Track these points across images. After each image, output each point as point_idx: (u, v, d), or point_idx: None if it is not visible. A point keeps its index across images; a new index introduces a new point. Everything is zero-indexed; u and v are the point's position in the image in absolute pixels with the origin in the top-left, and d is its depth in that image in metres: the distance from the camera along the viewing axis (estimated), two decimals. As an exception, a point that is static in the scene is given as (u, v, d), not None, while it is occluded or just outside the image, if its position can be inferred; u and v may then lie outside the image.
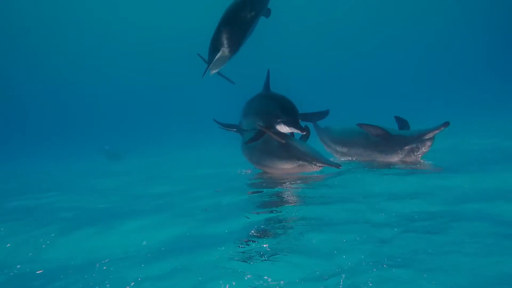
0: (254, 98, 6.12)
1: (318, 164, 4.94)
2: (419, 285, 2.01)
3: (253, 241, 2.84)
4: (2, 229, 4.05)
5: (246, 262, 2.48)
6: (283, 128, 5.20)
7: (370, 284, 2.05)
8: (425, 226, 2.80)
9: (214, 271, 2.40)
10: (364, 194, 3.88)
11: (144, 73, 49.86)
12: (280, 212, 3.55)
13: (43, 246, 3.33)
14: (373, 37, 49.54)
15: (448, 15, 45.36)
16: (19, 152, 26.41)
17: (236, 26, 5.22)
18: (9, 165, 18.14)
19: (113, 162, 14.86)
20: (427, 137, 5.16)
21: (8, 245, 3.44)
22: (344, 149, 6.21)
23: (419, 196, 3.62)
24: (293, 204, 3.84)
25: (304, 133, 5.08)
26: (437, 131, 5.05)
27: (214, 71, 6.12)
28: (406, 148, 5.31)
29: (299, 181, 4.81)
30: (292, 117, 5.11)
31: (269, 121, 5.26)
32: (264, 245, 2.73)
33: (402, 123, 6.03)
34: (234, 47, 5.43)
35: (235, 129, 6.73)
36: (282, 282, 2.21)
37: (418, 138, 5.22)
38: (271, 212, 3.58)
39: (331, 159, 5.32)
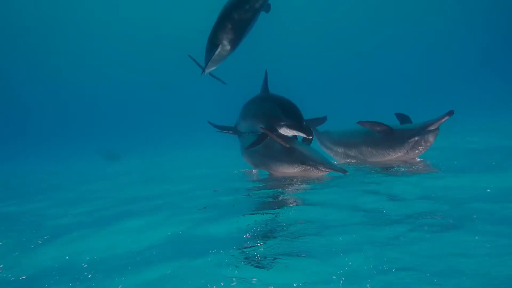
0: (253, 100, 5.95)
1: (323, 169, 4.74)
2: (423, 289, 1.95)
3: (250, 244, 2.77)
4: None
5: (244, 266, 2.41)
6: (287, 132, 5.06)
7: (373, 288, 1.99)
8: (429, 227, 2.74)
9: (209, 276, 2.32)
10: (366, 195, 3.81)
11: (145, 73, 49.81)
12: (278, 213, 3.49)
13: (28, 251, 3.26)
14: (371, 37, 49.46)
15: (448, 14, 45.30)
16: (18, 152, 26.34)
17: (235, 21, 5.08)
18: (8, 166, 18.09)
19: (111, 163, 14.82)
20: (432, 128, 5.04)
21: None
22: (347, 150, 6.06)
23: (421, 196, 3.57)
24: (292, 206, 3.78)
25: (310, 137, 4.92)
26: (441, 121, 4.93)
27: (212, 68, 6.05)
28: (410, 141, 5.18)
29: (298, 182, 4.73)
30: (296, 120, 4.96)
31: (271, 124, 5.10)
32: (263, 248, 2.67)
33: (404, 119, 5.92)
34: (234, 43, 5.33)
35: (231, 131, 6.63)
36: (283, 286, 2.14)
37: (423, 130, 5.10)
38: (270, 213, 3.51)
39: (336, 163, 5.16)
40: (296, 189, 4.44)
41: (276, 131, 5.08)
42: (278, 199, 4.04)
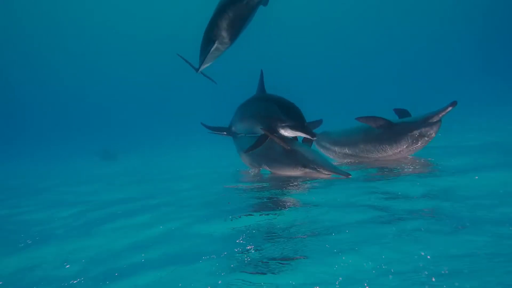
0: (250, 100, 5.77)
1: (325, 172, 4.57)
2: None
3: (247, 246, 2.69)
4: None
5: (240, 268, 2.34)
6: (289, 133, 4.89)
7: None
8: (435, 226, 2.67)
9: (203, 281, 2.24)
10: (365, 195, 3.73)
11: (145, 73, 49.76)
12: (276, 214, 3.41)
13: (11, 255, 3.18)
14: (369, 36, 49.42)
15: (447, 13, 45.27)
16: (17, 153, 26.26)
17: (233, 15, 4.89)
18: (6, 166, 17.99)
19: (108, 162, 14.75)
20: (434, 120, 4.91)
21: None
22: (346, 149, 5.88)
23: (422, 196, 3.50)
24: (290, 206, 3.69)
25: (314, 138, 4.74)
26: (444, 112, 4.82)
27: (208, 64, 5.93)
28: (412, 134, 5.04)
29: (297, 183, 4.63)
30: (299, 121, 4.79)
31: (272, 125, 4.93)
32: (259, 250, 2.59)
33: (403, 113, 5.78)
34: (231, 38, 5.17)
35: (225, 133, 6.49)
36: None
37: (425, 122, 4.97)
38: (267, 214, 3.43)
39: (336, 164, 4.97)
40: (294, 190, 4.34)
41: (277, 132, 4.93)
42: (276, 200, 3.97)
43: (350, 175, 4.36)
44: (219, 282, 2.20)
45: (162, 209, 4.31)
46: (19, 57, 46.49)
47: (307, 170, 4.71)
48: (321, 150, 6.34)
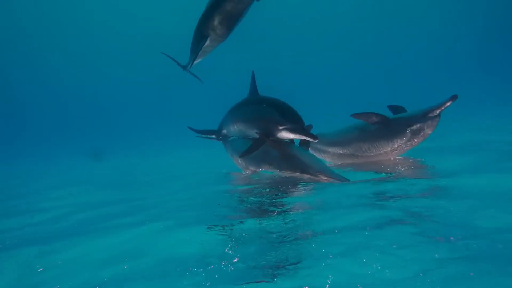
0: (243, 102, 5.54)
1: (323, 178, 4.42)
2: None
3: (238, 255, 2.57)
4: None
5: (231, 277, 2.23)
6: (288, 136, 4.70)
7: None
8: (430, 230, 2.58)
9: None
10: (363, 198, 3.62)
11: (144, 73, 49.64)
12: (269, 218, 3.29)
13: None
14: (367, 36, 49.24)
15: (448, 13, 45.20)
16: (13, 154, 26.13)
17: (227, 10, 4.76)
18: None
19: (96, 163, 14.55)
20: (433, 114, 4.79)
21: None
22: (342, 150, 5.70)
23: (422, 198, 3.42)
24: (283, 209, 3.56)
25: (316, 140, 4.55)
26: (444, 107, 4.69)
27: (198, 60, 5.80)
28: (410, 129, 4.92)
29: (290, 185, 4.47)
30: (299, 124, 4.59)
31: (268, 128, 4.72)
32: (250, 256, 2.47)
33: (398, 110, 5.62)
34: (224, 34, 5.06)
35: (214, 136, 6.33)
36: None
37: (423, 117, 4.84)
38: (259, 218, 3.31)
39: (331, 167, 4.85)
40: (288, 192, 4.22)
41: (274, 136, 4.73)
42: (269, 202, 3.85)
43: (348, 180, 4.23)
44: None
45: (146, 212, 4.13)
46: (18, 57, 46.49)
47: (305, 175, 4.54)
48: (315, 153, 6.17)
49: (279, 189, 4.35)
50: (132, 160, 14.27)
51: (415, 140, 5.01)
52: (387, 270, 2.09)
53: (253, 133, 4.97)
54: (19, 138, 38.02)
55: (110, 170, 11.49)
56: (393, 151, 5.23)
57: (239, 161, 5.49)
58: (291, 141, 5.05)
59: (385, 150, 5.24)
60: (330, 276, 2.11)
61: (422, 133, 4.92)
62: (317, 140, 4.55)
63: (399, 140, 5.06)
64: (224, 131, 6.05)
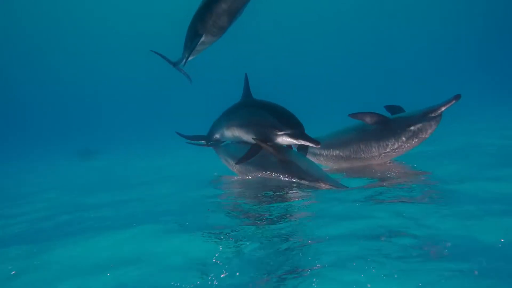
0: (236, 106, 5.34)
1: (323, 186, 4.26)
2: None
3: (225, 269, 2.42)
4: None
5: None
6: (287, 142, 4.51)
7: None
8: (437, 236, 2.46)
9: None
10: (361, 206, 3.49)
11: (142, 72, 49.48)
12: (258, 226, 3.14)
13: None
14: (365, 36, 49.13)
15: (447, 13, 45.15)
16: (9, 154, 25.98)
17: (223, 6, 4.57)
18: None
19: (85, 163, 14.34)
20: (435, 114, 4.65)
21: None
22: (339, 152, 5.49)
23: (418, 205, 3.29)
24: (275, 217, 3.42)
25: (319, 145, 4.35)
26: (447, 106, 4.56)
27: (191, 58, 5.64)
28: (410, 129, 4.78)
29: (283, 191, 4.30)
30: (299, 129, 4.41)
31: (266, 134, 4.51)
32: (239, 268, 2.35)
33: (395, 110, 5.46)
34: (219, 31, 4.91)
35: (204, 142, 6.15)
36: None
37: (424, 117, 4.72)
38: (247, 226, 3.14)
39: (328, 173, 4.66)
40: (280, 198, 4.05)
41: (272, 141, 4.53)
42: (260, 209, 3.71)
43: (347, 187, 4.11)
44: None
45: (133, 217, 3.98)
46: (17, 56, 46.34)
47: (303, 182, 4.39)
48: (310, 156, 5.97)
49: (272, 195, 4.22)
50: (124, 160, 14.10)
51: (416, 140, 4.88)
52: (379, 281, 2.02)
53: (249, 138, 4.78)
54: (16, 138, 37.90)
55: (99, 170, 11.33)
56: (393, 152, 5.08)
57: (235, 166, 5.28)
58: (289, 146, 4.87)
59: (384, 151, 5.09)
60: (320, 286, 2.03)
61: (423, 133, 4.79)
62: (319, 146, 4.37)
63: (399, 141, 4.92)
64: (216, 136, 5.83)
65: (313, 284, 2.06)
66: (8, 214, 5.19)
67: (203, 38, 5.01)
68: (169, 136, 6.91)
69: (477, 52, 42.61)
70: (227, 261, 2.48)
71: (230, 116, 5.35)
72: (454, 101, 4.54)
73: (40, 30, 45.54)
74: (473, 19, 44.18)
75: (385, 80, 43.45)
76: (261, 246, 2.67)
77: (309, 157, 5.62)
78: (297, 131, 4.38)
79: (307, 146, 4.83)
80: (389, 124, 4.98)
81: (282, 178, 4.55)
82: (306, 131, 4.44)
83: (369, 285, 1.99)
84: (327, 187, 4.20)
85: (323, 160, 5.82)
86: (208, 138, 6.09)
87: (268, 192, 4.30)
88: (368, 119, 5.07)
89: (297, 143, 4.48)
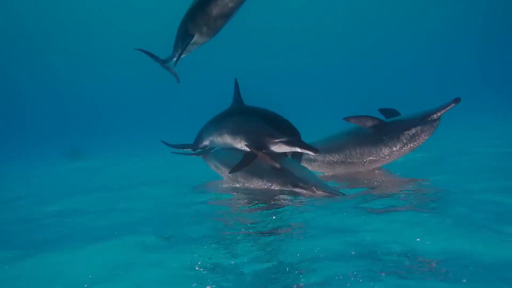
0: (228, 113, 5.16)
1: (317, 192, 4.13)
2: None
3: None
4: None
5: None
6: (283, 150, 4.39)
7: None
8: (430, 251, 2.35)
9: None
10: (356, 217, 3.35)
11: (143, 72, 49.32)
12: (248, 241, 2.97)
13: None
14: (364, 36, 48.97)
15: (447, 13, 45.10)
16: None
17: (216, 7, 4.43)
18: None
19: (72, 163, 14.13)
20: (434, 116, 4.54)
21: None
22: (333, 157, 5.33)
23: (420, 214, 3.16)
24: (265, 228, 3.26)
25: (317, 153, 4.24)
26: (446, 109, 4.45)
27: (182, 57, 5.47)
28: (408, 132, 4.66)
29: (273, 201, 4.13)
30: (295, 136, 4.27)
31: (260, 141, 4.36)
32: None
33: (390, 114, 5.32)
34: (212, 31, 4.78)
35: (191, 149, 5.96)
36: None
37: (422, 120, 4.59)
38: (231, 237, 3.01)
39: (332, 187, 4.47)
40: (271, 208, 3.88)
41: (267, 149, 4.38)
42: (247, 220, 3.55)
43: (344, 194, 3.98)
44: None
45: (114, 226, 3.78)
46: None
47: (298, 190, 4.26)
48: (304, 163, 5.78)
49: (262, 202, 4.07)
50: (111, 162, 13.68)
51: (412, 145, 4.77)
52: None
53: (243, 146, 4.63)
54: (14, 138, 37.75)
55: (85, 170, 11.10)
56: (389, 156, 4.95)
57: (226, 174, 5.11)
58: (284, 154, 4.70)
59: (381, 156, 4.95)
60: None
61: (420, 137, 4.69)
62: (317, 153, 4.26)
63: (396, 145, 4.80)
64: (205, 143, 5.66)
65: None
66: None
67: (194, 39, 4.87)
68: (159, 139, 6.67)
69: (477, 52, 42.54)
70: (207, 276, 2.34)
71: (222, 123, 5.17)
72: (453, 105, 4.42)
73: (40, 30, 45.53)
74: (473, 19, 44.09)
75: (384, 81, 43.24)
76: (248, 261, 2.53)
77: (303, 163, 5.43)
78: (294, 138, 4.26)
79: (301, 153, 4.68)
80: (386, 128, 4.86)
81: (276, 185, 4.44)
82: (301, 137, 4.31)
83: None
84: (322, 194, 4.07)
85: (317, 166, 5.66)
86: (194, 146, 5.91)
87: (257, 200, 4.15)
88: (363, 123, 4.95)
89: (294, 150, 4.36)
